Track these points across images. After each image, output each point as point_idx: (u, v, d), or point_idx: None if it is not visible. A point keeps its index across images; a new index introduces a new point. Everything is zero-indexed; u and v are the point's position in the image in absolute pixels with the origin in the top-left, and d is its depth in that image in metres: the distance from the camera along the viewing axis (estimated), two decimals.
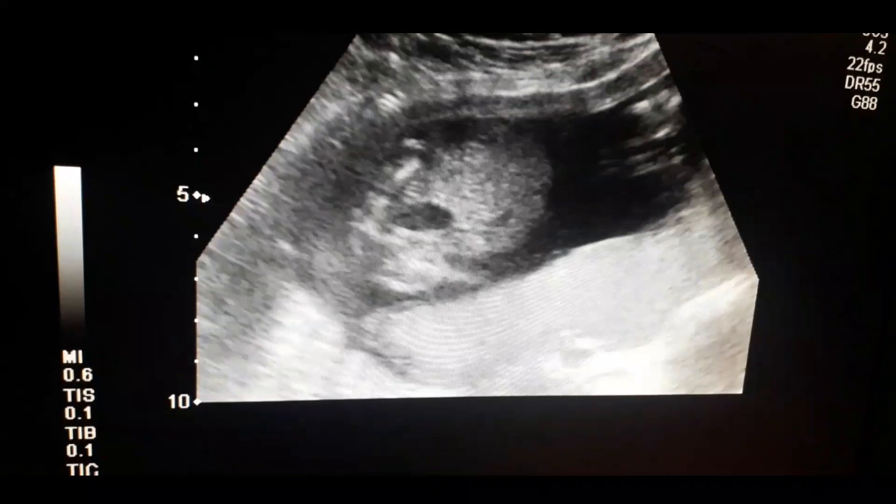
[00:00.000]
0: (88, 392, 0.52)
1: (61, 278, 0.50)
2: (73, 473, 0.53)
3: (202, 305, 0.53)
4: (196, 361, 0.53)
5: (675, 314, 0.61)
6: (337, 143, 0.53)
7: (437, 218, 0.56)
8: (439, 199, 0.55)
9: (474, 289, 0.57)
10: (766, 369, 0.64)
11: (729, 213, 0.60)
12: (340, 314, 0.55)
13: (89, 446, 0.53)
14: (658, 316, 0.61)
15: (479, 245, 0.57)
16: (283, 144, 0.52)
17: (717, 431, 0.65)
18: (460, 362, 0.58)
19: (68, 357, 0.51)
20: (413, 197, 0.55)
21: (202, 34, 0.49)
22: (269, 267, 0.53)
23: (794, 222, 0.62)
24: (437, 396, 0.59)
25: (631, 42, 0.56)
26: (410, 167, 0.54)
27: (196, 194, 0.51)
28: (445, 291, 0.57)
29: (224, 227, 0.52)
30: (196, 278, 0.52)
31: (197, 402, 0.54)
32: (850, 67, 0.60)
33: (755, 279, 0.62)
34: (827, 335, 0.65)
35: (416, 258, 0.56)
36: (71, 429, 0.53)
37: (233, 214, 0.52)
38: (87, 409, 0.52)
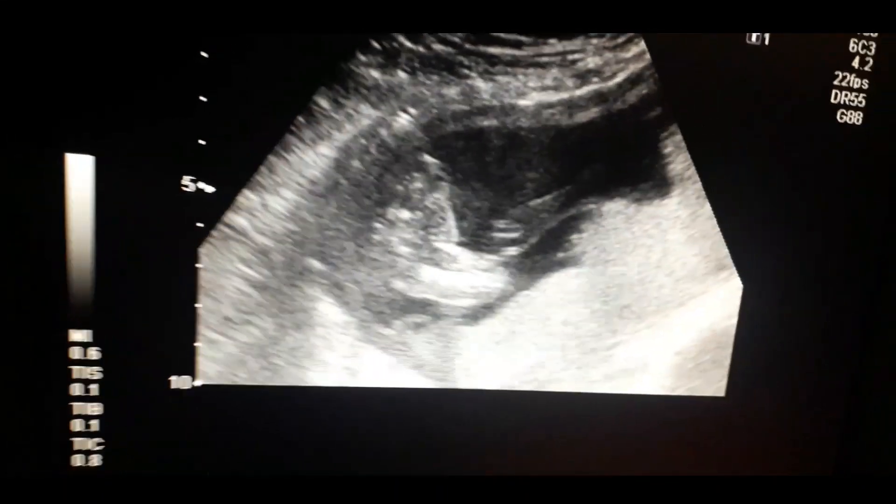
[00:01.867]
0: (95, 370, 0.55)
1: (72, 261, 0.52)
2: (77, 448, 0.56)
3: (204, 295, 0.55)
4: (196, 345, 0.56)
5: (663, 319, 0.63)
6: (356, 163, 0.55)
7: (454, 225, 0.58)
8: (456, 206, 0.58)
9: (492, 291, 0.60)
10: (748, 373, 0.66)
11: (714, 221, 0.62)
12: (358, 310, 0.58)
13: (95, 422, 0.56)
14: (646, 321, 0.63)
15: (495, 250, 0.59)
16: (306, 168, 0.54)
17: (700, 433, 0.67)
18: (468, 361, 0.61)
19: (76, 336, 0.54)
20: (430, 206, 0.57)
21: (209, 32, 0.51)
22: (299, 279, 0.56)
23: (779, 231, 0.63)
24: (429, 387, 0.61)
25: (624, 54, 0.58)
26: (427, 179, 0.57)
27: (201, 184, 0.54)
28: (467, 294, 0.59)
29: (245, 240, 0.55)
30: (198, 265, 0.54)
31: (197, 383, 0.57)
32: (836, 82, 0.62)
33: (739, 285, 0.64)
34: (808, 340, 0.67)
35: (433, 264, 0.58)
36: (77, 404, 0.55)
37: (253, 234, 0.55)
38: (94, 387, 0.55)
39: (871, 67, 0.62)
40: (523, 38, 0.56)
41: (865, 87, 0.62)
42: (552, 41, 0.56)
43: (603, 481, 0.65)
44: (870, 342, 0.67)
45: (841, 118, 0.62)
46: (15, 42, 0.48)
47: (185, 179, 0.53)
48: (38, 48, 0.49)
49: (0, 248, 0.51)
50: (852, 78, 0.62)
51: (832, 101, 0.62)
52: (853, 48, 0.61)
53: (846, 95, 0.62)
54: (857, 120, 0.63)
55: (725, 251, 0.63)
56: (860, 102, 0.62)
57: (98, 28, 0.49)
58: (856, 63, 0.62)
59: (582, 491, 0.64)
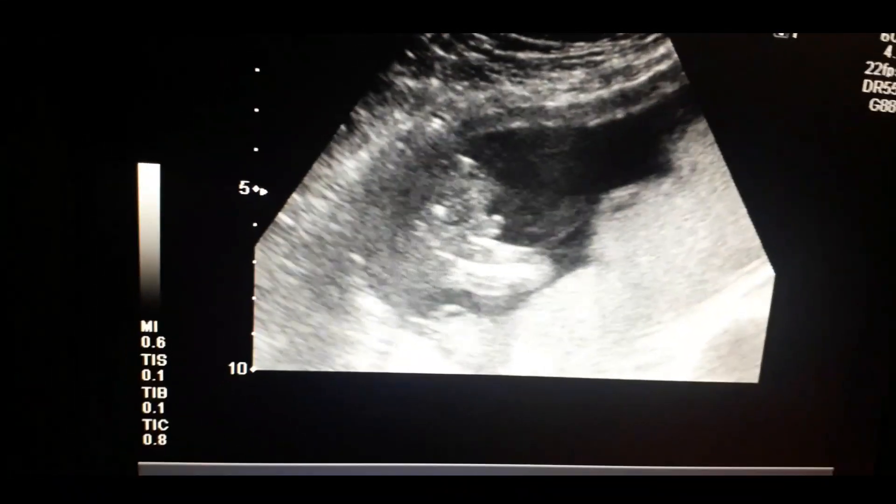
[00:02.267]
0: (161, 357, 0.61)
1: (142, 258, 0.58)
2: (147, 428, 0.62)
3: (259, 288, 0.60)
4: (252, 334, 0.61)
5: (695, 308, 0.65)
6: (393, 166, 0.60)
7: (488, 220, 0.61)
8: (489, 203, 0.61)
9: (525, 283, 0.63)
10: (781, 360, 0.66)
11: (745, 211, 0.63)
12: (399, 302, 0.62)
13: (161, 404, 0.61)
14: (678, 310, 0.64)
15: (527, 243, 0.62)
16: (346, 170, 0.59)
17: (732, 420, 0.68)
18: (503, 350, 0.64)
19: (146, 326, 0.60)
20: (465, 204, 0.61)
21: (261, 51, 0.56)
22: (343, 273, 0.61)
23: (812, 220, 0.64)
24: (473, 374, 0.64)
25: (650, 52, 0.60)
26: (461, 178, 0.61)
27: (255, 188, 0.59)
28: (501, 285, 0.63)
29: (294, 238, 0.60)
30: (254, 261, 0.60)
31: (253, 369, 0.62)
32: (867, 72, 0.62)
33: (772, 274, 0.65)
34: (844, 329, 0.67)
35: (468, 257, 0.62)
36: (146, 388, 0.61)
37: (301, 233, 0.60)
38: (160, 372, 0.61)
39: None
40: (551, 42, 0.59)
41: None
42: (579, 43, 0.59)
43: (632, 480, 0.66)
44: None
45: (874, 107, 0.63)
46: (96, 70, 0.55)
47: (242, 184, 0.59)
48: (114, 75, 0.55)
49: (79, 249, 0.58)
50: (885, 67, 0.62)
51: (864, 90, 0.62)
52: (885, 37, 0.62)
53: (878, 85, 0.62)
54: (891, 108, 0.63)
55: (757, 241, 0.64)
56: (893, 91, 0.62)
57: (165, 52, 0.55)
58: (888, 52, 0.62)
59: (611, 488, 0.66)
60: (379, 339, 0.62)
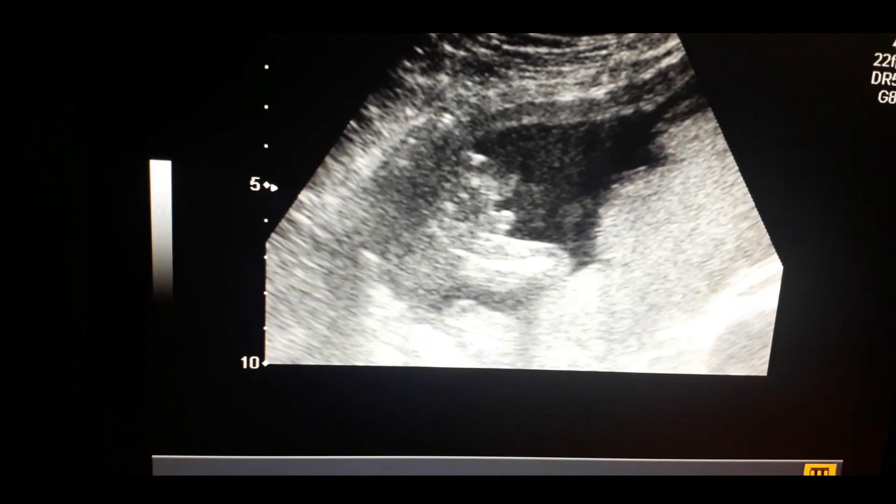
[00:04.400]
0: (174, 352, 0.61)
1: (154, 254, 0.59)
2: (159, 421, 0.62)
3: (270, 283, 0.61)
4: (264, 328, 0.62)
5: (705, 301, 0.65)
6: (405, 162, 0.60)
7: (499, 216, 0.62)
8: (500, 199, 0.62)
9: (537, 278, 0.63)
10: (790, 353, 0.67)
11: (753, 204, 0.63)
12: (411, 296, 0.62)
13: (174, 398, 0.62)
14: (688, 304, 0.65)
15: (538, 238, 0.63)
16: (357, 166, 0.60)
17: (741, 413, 0.68)
18: (515, 343, 0.65)
19: (158, 321, 0.60)
20: (475, 199, 0.61)
21: (271, 48, 0.57)
22: (355, 268, 0.61)
23: (820, 212, 0.64)
24: (487, 368, 0.65)
25: (659, 45, 0.60)
26: (471, 174, 0.61)
27: (266, 184, 0.59)
28: (513, 280, 0.63)
29: (305, 233, 0.60)
30: (265, 256, 0.60)
31: (265, 363, 0.62)
32: (876, 64, 0.62)
33: (780, 266, 0.65)
34: (853, 322, 0.67)
35: (480, 252, 0.62)
36: (159, 383, 0.61)
37: (313, 229, 0.60)
38: (173, 367, 0.61)
39: None
40: (560, 37, 0.59)
41: None
42: (587, 38, 0.59)
43: (638, 481, 0.67)
44: None
45: (882, 99, 0.63)
46: (106, 68, 0.56)
47: (252, 180, 0.59)
48: (125, 72, 0.56)
49: (92, 245, 0.58)
50: (893, 59, 0.62)
51: (873, 82, 0.62)
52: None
53: (887, 76, 0.62)
54: None
55: (766, 234, 0.64)
56: None
57: (176, 49, 0.56)
58: None
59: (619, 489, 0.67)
60: (391, 333, 0.63)
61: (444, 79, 0.59)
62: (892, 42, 0.62)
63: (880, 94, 0.62)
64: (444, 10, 0.56)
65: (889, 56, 0.62)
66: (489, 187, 0.61)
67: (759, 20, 0.59)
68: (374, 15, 0.56)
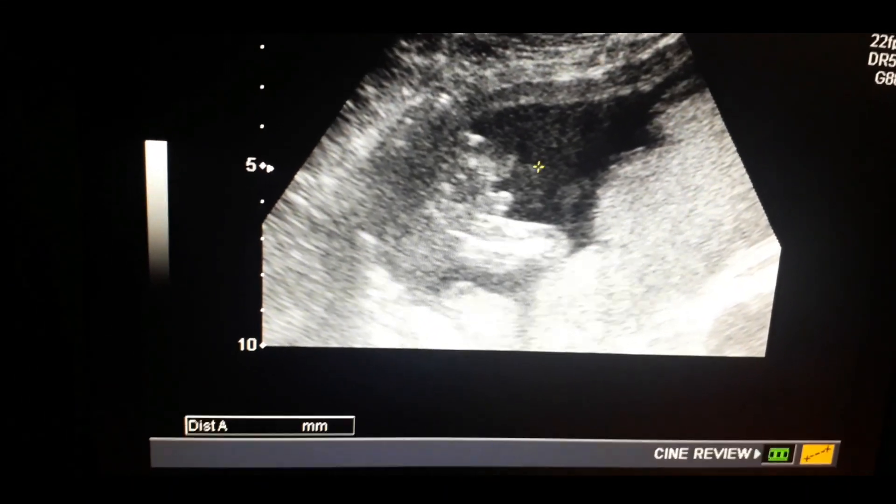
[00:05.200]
0: (171, 334, 0.61)
1: (150, 236, 0.59)
2: (157, 404, 0.62)
3: (267, 265, 0.61)
4: (262, 310, 0.61)
5: (704, 281, 0.65)
6: (402, 142, 0.60)
7: (496, 197, 0.62)
8: (498, 179, 0.61)
9: (535, 259, 0.63)
10: (788, 334, 0.67)
11: (751, 185, 0.63)
12: (408, 278, 0.62)
13: (171, 381, 0.62)
14: (686, 285, 0.65)
15: (536, 220, 0.62)
16: (354, 147, 0.59)
17: (740, 394, 0.68)
18: (513, 325, 0.64)
19: (155, 303, 0.60)
20: (473, 180, 0.61)
21: (267, 27, 0.56)
22: (352, 250, 0.61)
23: (818, 194, 0.64)
24: (485, 350, 0.65)
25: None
26: (469, 154, 0.61)
27: (262, 164, 0.59)
28: (511, 261, 0.63)
29: (302, 214, 0.60)
30: (262, 238, 0.60)
31: (262, 345, 0.62)
32: (873, 45, 0.62)
33: (778, 247, 0.65)
34: (851, 305, 0.67)
35: (478, 234, 0.62)
36: (156, 365, 0.61)
37: (310, 209, 0.60)
38: (170, 349, 0.61)
39: None
40: None
41: None
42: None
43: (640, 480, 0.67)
44: None
45: (879, 80, 0.63)
46: (103, 49, 0.55)
47: (248, 161, 0.59)
48: (120, 53, 0.55)
49: (87, 227, 0.58)
50: (891, 40, 0.62)
51: (870, 63, 0.62)
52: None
53: (885, 57, 0.62)
54: None
55: (764, 216, 0.64)
56: None
57: (171, 26, 0.55)
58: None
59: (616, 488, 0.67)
60: (389, 315, 0.63)
61: (441, 59, 0.59)
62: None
63: (877, 75, 0.62)
64: (445, 10, 0.56)
65: (886, 37, 0.62)
66: (487, 168, 0.61)
67: (760, 15, 0.59)
68: (369, 12, 0.56)
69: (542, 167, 0.61)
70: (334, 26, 0.57)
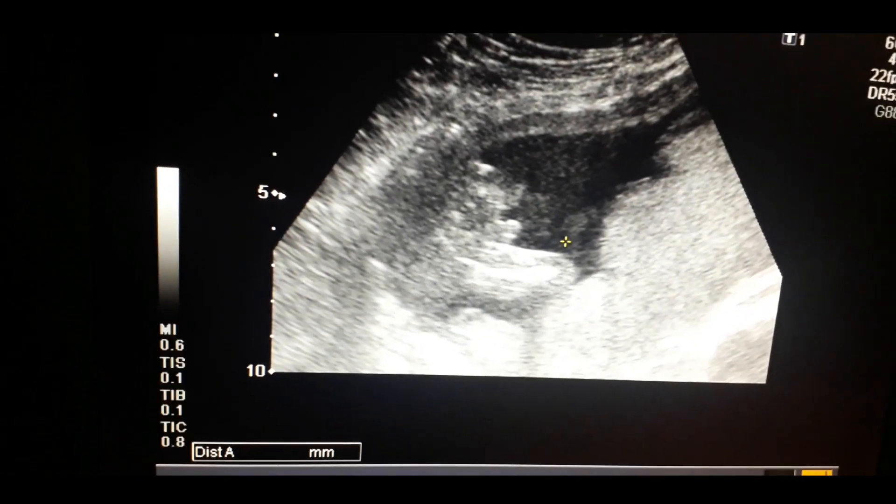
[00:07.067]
0: (180, 360, 0.61)
1: (161, 261, 0.59)
2: (165, 430, 0.62)
3: (277, 291, 0.61)
4: (271, 336, 0.61)
5: (707, 309, 0.66)
6: (413, 171, 0.60)
7: (505, 225, 0.62)
8: (507, 208, 0.62)
9: (542, 287, 0.64)
10: (789, 361, 0.68)
11: (754, 216, 0.64)
12: (417, 304, 0.62)
13: (179, 407, 0.62)
14: (689, 312, 0.66)
15: (544, 248, 0.63)
16: (366, 175, 0.60)
17: (740, 420, 0.69)
18: (520, 352, 0.65)
19: (164, 329, 0.60)
20: (482, 209, 0.62)
21: (280, 56, 0.57)
22: (362, 277, 0.61)
23: (819, 225, 0.65)
24: (492, 376, 0.65)
25: (663, 59, 0.61)
26: (478, 183, 0.61)
27: (274, 192, 0.59)
28: (518, 289, 0.64)
29: (313, 241, 0.60)
30: (272, 264, 0.60)
31: (271, 371, 0.62)
32: (873, 79, 0.64)
33: (779, 276, 0.66)
34: (852, 332, 0.68)
35: (486, 261, 0.63)
36: (165, 391, 0.61)
37: (320, 237, 0.60)
38: (179, 375, 0.61)
39: None
40: (566, 49, 0.60)
41: None
42: (592, 50, 0.60)
43: (641, 481, 0.67)
44: None
45: (879, 114, 0.64)
46: (116, 76, 0.55)
47: (260, 188, 0.59)
48: (133, 79, 0.56)
49: (99, 252, 0.58)
50: (889, 74, 0.64)
51: (870, 97, 0.64)
52: (890, 45, 0.63)
53: (883, 91, 0.64)
54: None
55: (766, 245, 0.65)
56: None
57: (184, 56, 0.56)
58: (893, 60, 0.63)
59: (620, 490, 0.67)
60: (397, 341, 0.63)
61: (453, 89, 0.59)
62: (889, 58, 0.63)
63: (877, 108, 0.64)
64: (446, 11, 0.56)
65: (885, 72, 0.63)
66: (496, 197, 0.62)
67: (758, 22, 0.60)
68: (384, 17, 0.56)
69: (569, 242, 0.62)
70: (346, 27, 0.56)
